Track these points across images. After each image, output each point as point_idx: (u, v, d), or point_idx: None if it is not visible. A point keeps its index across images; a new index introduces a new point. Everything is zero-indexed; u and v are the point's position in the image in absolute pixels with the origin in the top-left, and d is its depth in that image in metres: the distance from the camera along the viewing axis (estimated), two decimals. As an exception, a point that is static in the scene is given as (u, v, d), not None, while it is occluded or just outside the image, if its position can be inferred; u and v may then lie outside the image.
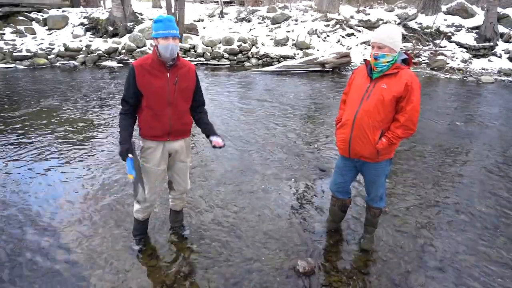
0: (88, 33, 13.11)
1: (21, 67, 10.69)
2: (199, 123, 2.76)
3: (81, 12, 14.44)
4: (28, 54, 11.08)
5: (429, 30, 14.02)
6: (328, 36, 14.19)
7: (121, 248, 2.89)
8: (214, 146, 2.65)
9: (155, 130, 2.53)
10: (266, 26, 15.17)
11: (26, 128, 5.58)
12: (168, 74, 2.46)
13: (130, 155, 2.52)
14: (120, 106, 2.57)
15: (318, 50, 13.03)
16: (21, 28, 12.73)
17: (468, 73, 11.87)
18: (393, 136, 2.52)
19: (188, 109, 2.65)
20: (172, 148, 2.65)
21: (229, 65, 12.27)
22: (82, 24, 13.49)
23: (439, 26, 14.24)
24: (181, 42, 12.25)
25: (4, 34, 12.07)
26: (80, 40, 12.34)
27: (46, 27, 13.31)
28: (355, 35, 14.38)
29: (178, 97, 2.51)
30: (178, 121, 2.56)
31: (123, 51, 12.11)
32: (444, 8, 15.40)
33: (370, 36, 2.58)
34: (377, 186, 2.80)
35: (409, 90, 2.43)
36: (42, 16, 13.70)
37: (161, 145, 2.60)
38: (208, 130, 2.72)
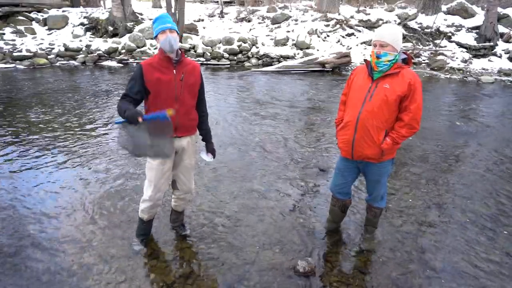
0: (88, 33, 13.10)
1: (21, 67, 10.68)
2: (199, 125, 2.81)
3: (81, 12, 14.43)
4: (28, 54, 11.07)
5: (429, 30, 14.02)
6: (328, 36, 14.18)
7: (121, 248, 2.89)
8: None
9: None
10: (266, 26, 15.16)
11: (25, 127, 5.58)
12: (174, 70, 2.51)
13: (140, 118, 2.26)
14: (120, 99, 2.50)
15: (318, 50, 13.03)
16: (21, 28, 12.72)
17: (468, 73, 11.86)
18: (398, 136, 2.51)
19: (194, 105, 2.68)
20: (179, 146, 2.67)
21: (229, 65, 12.27)
22: (82, 24, 13.48)
23: (439, 26, 14.23)
24: (181, 42, 12.25)
25: (4, 34, 12.06)
26: (80, 40, 12.34)
27: (46, 27, 13.30)
28: (355, 35, 14.37)
29: (184, 93, 2.55)
30: (185, 116, 2.59)
31: (123, 51, 12.10)
32: (444, 8, 15.40)
33: (373, 35, 2.59)
34: (379, 186, 2.79)
35: (412, 89, 2.44)
36: (42, 16, 13.69)
37: None
38: (205, 136, 2.88)
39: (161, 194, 2.75)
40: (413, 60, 2.62)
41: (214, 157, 2.90)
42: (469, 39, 13.68)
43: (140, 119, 2.25)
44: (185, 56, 2.61)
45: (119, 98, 2.52)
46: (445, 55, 13.05)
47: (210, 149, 2.88)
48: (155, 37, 2.49)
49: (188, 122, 2.64)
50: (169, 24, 2.45)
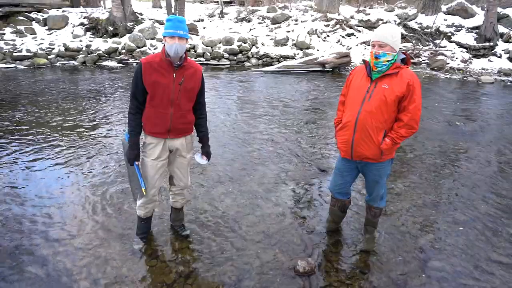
0: (88, 33, 13.10)
1: (21, 67, 10.68)
2: (196, 127, 2.81)
3: (81, 12, 14.43)
4: (28, 54, 11.08)
5: (429, 30, 14.03)
6: (328, 36, 14.19)
7: (121, 248, 2.89)
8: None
9: (156, 127, 2.56)
10: (266, 26, 15.17)
11: (26, 127, 5.58)
12: (174, 74, 2.48)
13: (137, 162, 2.59)
14: (130, 105, 2.58)
15: (318, 50, 13.04)
16: (21, 28, 12.71)
17: (468, 73, 11.87)
18: (397, 136, 2.51)
19: (190, 109, 2.67)
20: (173, 146, 2.68)
21: (229, 65, 12.27)
22: (82, 24, 13.48)
23: (439, 26, 14.24)
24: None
25: (4, 34, 12.05)
26: (80, 40, 12.34)
27: (46, 27, 13.30)
28: (355, 35, 14.38)
29: (182, 97, 2.54)
30: (179, 120, 2.59)
31: (123, 51, 12.11)
32: (444, 8, 15.41)
33: (371, 35, 2.60)
34: (379, 186, 2.79)
35: (411, 89, 2.43)
36: (42, 16, 13.68)
37: (161, 142, 2.62)
38: (202, 138, 2.84)
39: (156, 190, 2.76)
40: (412, 60, 2.61)
41: (208, 160, 2.87)
42: (469, 39, 13.68)
43: (131, 165, 2.61)
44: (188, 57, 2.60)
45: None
46: (445, 55, 13.05)
47: (205, 152, 2.84)
48: (164, 37, 2.45)
49: (182, 125, 2.63)
50: (181, 31, 2.40)
